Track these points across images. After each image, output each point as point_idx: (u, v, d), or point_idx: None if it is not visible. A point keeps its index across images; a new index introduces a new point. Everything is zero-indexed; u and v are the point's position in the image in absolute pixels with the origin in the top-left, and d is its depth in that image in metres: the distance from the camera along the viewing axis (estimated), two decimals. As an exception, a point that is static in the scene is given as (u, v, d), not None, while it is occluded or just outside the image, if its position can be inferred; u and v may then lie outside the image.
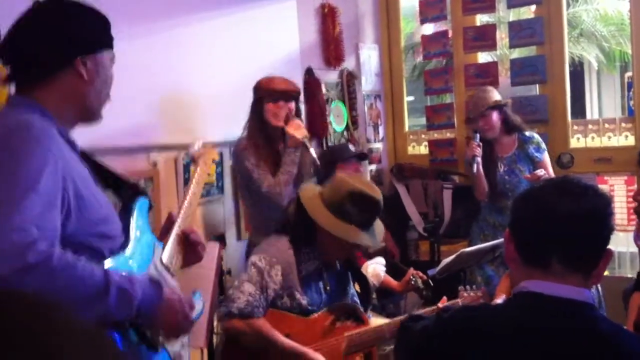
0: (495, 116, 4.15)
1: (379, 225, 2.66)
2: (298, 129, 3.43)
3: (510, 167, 4.15)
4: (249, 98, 3.74)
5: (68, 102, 1.69)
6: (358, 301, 2.76)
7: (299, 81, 4.63)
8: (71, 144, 1.69)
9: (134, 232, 1.75)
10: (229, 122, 3.90)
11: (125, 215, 1.78)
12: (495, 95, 4.26)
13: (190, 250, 1.99)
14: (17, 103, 1.67)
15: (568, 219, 1.47)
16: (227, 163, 4.02)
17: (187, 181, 3.73)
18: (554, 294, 1.47)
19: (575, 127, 4.90)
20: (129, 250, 1.70)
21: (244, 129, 3.59)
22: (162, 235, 1.97)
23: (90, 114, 1.76)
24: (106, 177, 1.82)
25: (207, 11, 3.94)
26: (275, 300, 2.50)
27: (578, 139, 4.87)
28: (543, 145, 4.20)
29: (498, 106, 4.18)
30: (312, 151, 3.41)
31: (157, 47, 3.53)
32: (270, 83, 3.53)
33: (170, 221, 2.01)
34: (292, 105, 3.54)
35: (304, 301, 2.53)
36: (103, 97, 1.77)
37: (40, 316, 0.57)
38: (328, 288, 2.64)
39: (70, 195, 1.55)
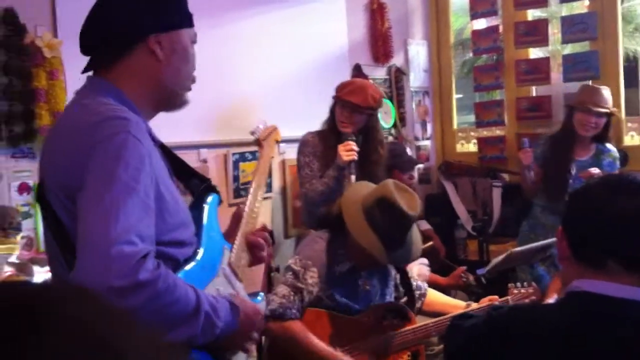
0: (600, 122, 4.01)
1: (407, 250, 2.51)
2: (346, 152, 3.37)
3: (579, 172, 4.02)
4: (297, 94, 3.76)
5: (144, 85, 1.61)
6: (403, 292, 2.75)
7: (346, 77, 4.62)
8: (151, 135, 1.61)
9: (205, 234, 1.70)
10: (279, 119, 3.91)
11: (196, 211, 1.72)
12: (609, 100, 4.07)
13: (255, 252, 1.95)
14: (94, 87, 1.62)
15: (624, 218, 1.44)
16: (275, 161, 4.04)
17: (236, 178, 3.77)
18: (608, 294, 1.43)
19: (630, 124, 4.79)
20: (200, 256, 1.65)
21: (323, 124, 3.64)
22: (231, 229, 1.94)
23: (172, 97, 1.68)
24: (178, 169, 1.76)
25: (256, 7, 3.96)
26: (315, 302, 2.49)
27: (632, 136, 4.75)
28: (618, 163, 4.07)
29: (611, 115, 4.05)
30: (353, 178, 3.37)
31: (206, 44, 3.55)
32: (345, 89, 3.52)
33: (238, 216, 1.96)
34: (360, 118, 3.49)
35: (343, 300, 2.52)
36: (184, 78, 1.69)
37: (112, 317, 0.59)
38: (367, 287, 2.62)
39: (155, 196, 1.49)
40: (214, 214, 1.80)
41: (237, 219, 1.97)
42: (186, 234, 1.63)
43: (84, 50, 1.68)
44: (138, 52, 1.61)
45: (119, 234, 1.34)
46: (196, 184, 1.80)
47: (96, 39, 1.64)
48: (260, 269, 2.11)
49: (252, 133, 2.41)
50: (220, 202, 1.84)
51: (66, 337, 0.52)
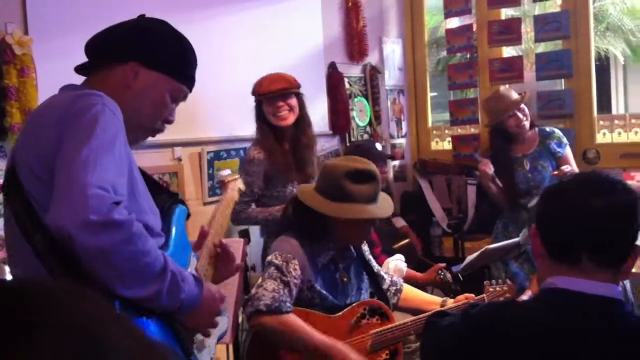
0: (526, 110, 4.10)
1: (384, 198, 2.63)
2: None
3: (533, 164, 4.08)
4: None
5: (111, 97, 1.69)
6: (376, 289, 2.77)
7: (322, 76, 4.63)
8: None
9: (173, 240, 1.75)
10: (253, 117, 3.90)
11: (163, 222, 1.76)
12: (514, 93, 4.22)
13: (220, 266, 1.98)
14: (74, 88, 1.70)
15: (597, 215, 1.45)
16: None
17: (210, 176, 3.75)
18: (582, 291, 1.45)
19: (602, 122, 4.85)
20: (170, 250, 1.70)
21: (255, 134, 3.59)
22: (195, 248, 1.96)
23: (127, 126, 1.71)
24: (147, 184, 1.79)
25: (231, 5, 3.94)
26: (297, 295, 2.49)
27: (604, 134, 4.81)
28: (565, 140, 4.14)
29: (524, 99, 4.16)
30: None
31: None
32: (263, 85, 3.50)
33: (203, 235, 2.01)
34: (293, 101, 3.51)
35: (324, 291, 2.54)
36: (144, 117, 1.75)
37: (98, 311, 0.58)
38: (345, 279, 2.64)
39: (128, 175, 1.57)
40: (182, 224, 1.84)
41: (202, 238, 2.00)
42: (155, 222, 1.68)
43: (86, 52, 1.78)
44: (116, 70, 1.71)
45: (95, 179, 1.41)
46: (164, 199, 1.83)
47: (94, 45, 1.76)
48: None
49: (218, 176, 2.49)
50: (188, 215, 1.88)
51: (57, 338, 0.52)
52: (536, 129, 4.17)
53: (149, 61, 1.73)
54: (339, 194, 2.50)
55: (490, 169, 4.08)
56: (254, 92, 3.55)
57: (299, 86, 3.56)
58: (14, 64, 2.78)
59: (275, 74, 3.57)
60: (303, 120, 3.57)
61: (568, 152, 4.12)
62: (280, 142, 3.52)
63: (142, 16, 1.82)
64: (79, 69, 1.78)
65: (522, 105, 4.08)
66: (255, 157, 3.46)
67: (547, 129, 4.20)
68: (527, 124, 4.08)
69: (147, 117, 1.76)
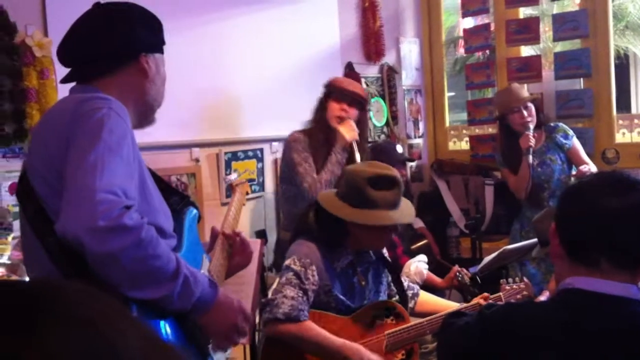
0: (532, 110, 4.09)
1: (406, 203, 2.62)
2: (349, 131, 3.43)
3: (541, 158, 4.09)
4: (289, 93, 3.73)
5: (128, 98, 1.72)
6: (395, 291, 2.76)
7: (339, 76, 4.62)
8: None
9: (185, 242, 1.76)
10: (270, 118, 3.92)
11: (175, 224, 1.77)
12: (525, 91, 4.25)
13: (234, 257, 2.00)
14: (83, 90, 1.71)
15: (617, 215, 1.44)
16: (268, 160, 4.04)
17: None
18: (600, 291, 1.44)
19: (621, 122, 4.80)
20: (183, 251, 1.71)
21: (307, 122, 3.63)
22: (208, 250, 1.98)
23: (149, 113, 1.82)
24: (158, 186, 1.81)
25: (248, 6, 3.95)
26: (314, 299, 2.49)
27: (623, 133, 4.77)
28: (570, 132, 4.15)
29: (535, 100, 4.17)
30: (357, 156, 3.38)
31: (198, 43, 3.56)
32: (341, 82, 3.59)
33: (214, 236, 2.02)
34: (355, 111, 3.53)
35: (341, 295, 2.53)
36: (160, 96, 1.84)
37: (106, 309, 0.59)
38: (363, 283, 2.64)
39: (137, 175, 1.58)
40: (194, 226, 1.86)
41: (214, 239, 2.01)
42: (167, 224, 1.69)
43: (67, 62, 1.78)
44: (130, 68, 1.75)
45: (103, 184, 1.42)
46: (175, 201, 1.84)
47: (90, 53, 1.74)
48: (252, 271, 2.11)
49: (226, 180, 2.52)
50: (199, 218, 1.91)
51: (67, 336, 0.52)
52: (542, 127, 4.15)
53: (153, 47, 1.81)
54: (360, 201, 2.49)
55: (527, 142, 3.99)
56: (327, 84, 3.62)
57: (367, 101, 3.74)
58: (34, 66, 2.81)
59: (354, 81, 3.73)
60: (363, 137, 3.61)
61: (576, 142, 4.12)
62: (327, 140, 3.49)
63: (97, 4, 1.81)
64: (70, 79, 1.79)
65: (529, 104, 4.06)
66: (299, 137, 3.50)
67: (552, 124, 4.22)
68: (531, 124, 4.03)
69: (162, 95, 1.85)
